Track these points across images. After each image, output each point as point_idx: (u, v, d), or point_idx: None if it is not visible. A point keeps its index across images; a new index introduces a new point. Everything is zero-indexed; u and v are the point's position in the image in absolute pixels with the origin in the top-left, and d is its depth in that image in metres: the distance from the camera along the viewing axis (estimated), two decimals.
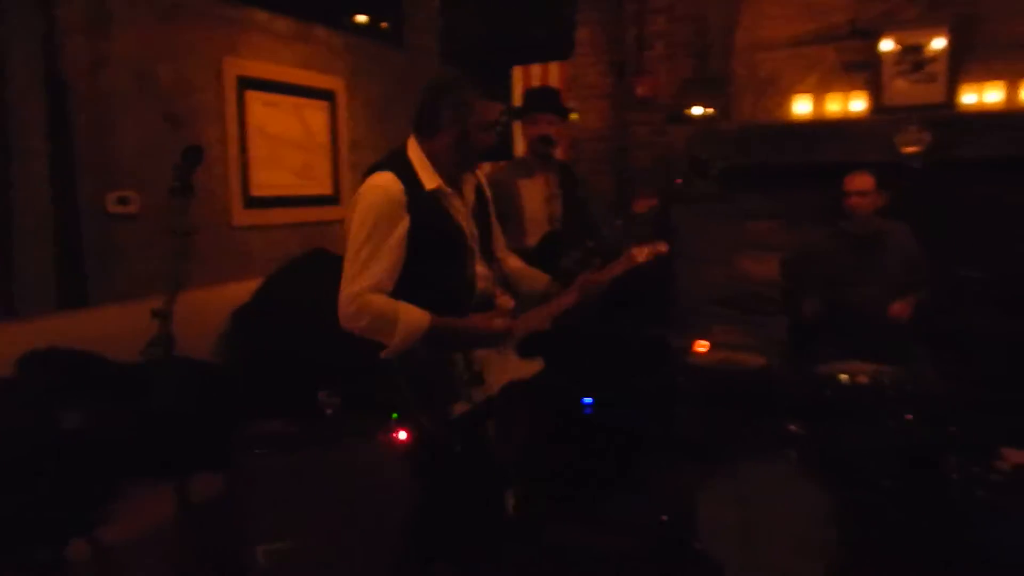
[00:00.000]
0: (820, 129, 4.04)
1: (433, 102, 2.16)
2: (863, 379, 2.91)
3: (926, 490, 2.75)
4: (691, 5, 4.66)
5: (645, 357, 3.51)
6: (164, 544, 2.30)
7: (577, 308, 2.39)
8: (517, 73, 5.25)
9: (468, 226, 2.22)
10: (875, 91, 4.01)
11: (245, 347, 3.31)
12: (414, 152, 2.17)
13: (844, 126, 3.99)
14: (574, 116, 4.58)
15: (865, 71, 4.06)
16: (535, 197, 3.31)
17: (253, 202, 3.91)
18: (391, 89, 4.90)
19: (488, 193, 2.40)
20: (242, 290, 3.48)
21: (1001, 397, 3.37)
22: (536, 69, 5.18)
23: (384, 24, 4.84)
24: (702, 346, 3.47)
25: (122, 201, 3.31)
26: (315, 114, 4.31)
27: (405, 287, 2.07)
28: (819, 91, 4.15)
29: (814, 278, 3.61)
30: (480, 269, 2.24)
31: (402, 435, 2.56)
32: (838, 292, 3.50)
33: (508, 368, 2.26)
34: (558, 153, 3.72)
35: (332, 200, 4.44)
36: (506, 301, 2.38)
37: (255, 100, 3.92)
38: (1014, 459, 2.73)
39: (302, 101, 4.22)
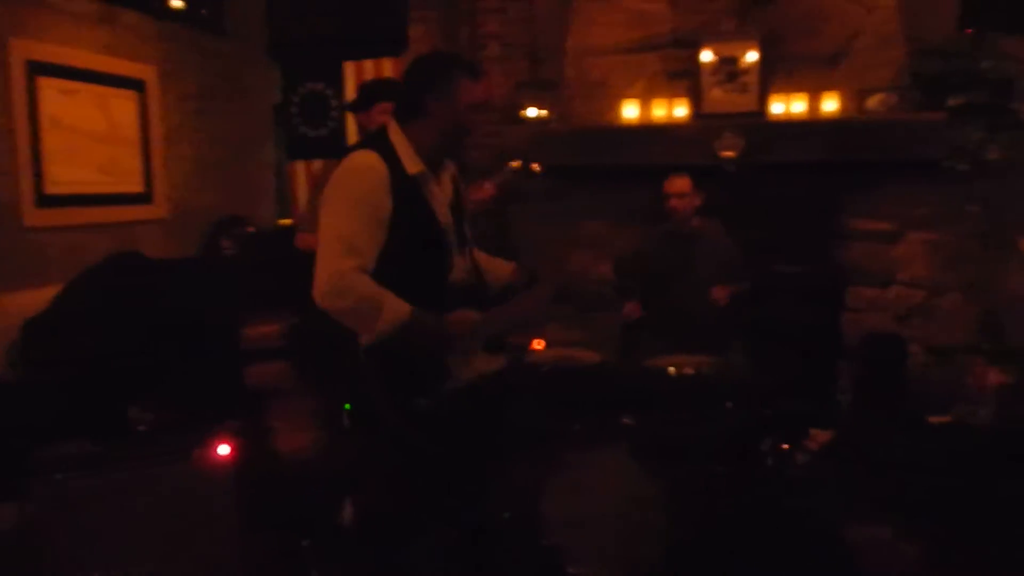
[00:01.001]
0: (646, 133, 4.21)
1: (417, 86, 2.09)
2: (688, 370, 3.06)
3: (747, 471, 2.92)
4: (524, 8, 4.72)
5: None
6: None
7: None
8: (349, 69, 5.10)
9: (445, 215, 2.16)
10: (696, 98, 4.24)
11: (40, 361, 2.99)
12: (396, 136, 2.10)
13: (668, 131, 4.19)
14: None
15: (686, 79, 4.28)
16: None
17: (48, 200, 3.52)
18: (212, 79, 4.61)
19: (461, 184, 2.33)
20: (36, 298, 3.17)
21: (806, 382, 3.65)
22: (369, 65, 5.06)
23: (203, 10, 4.52)
24: (538, 343, 3.51)
25: None
26: (122, 105, 3.96)
27: (380, 273, 1.99)
28: (646, 97, 4.32)
29: (641, 277, 3.77)
30: (456, 259, 2.18)
31: (223, 449, 2.40)
32: (663, 290, 3.68)
33: (475, 363, 2.19)
34: None
35: (144, 198, 4.09)
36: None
37: (49, 87, 3.53)
38: (820, 439, 2.96)
39: (107, 90, 3.86)
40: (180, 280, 3.45)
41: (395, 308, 1.97)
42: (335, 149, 5.01)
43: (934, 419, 3.12)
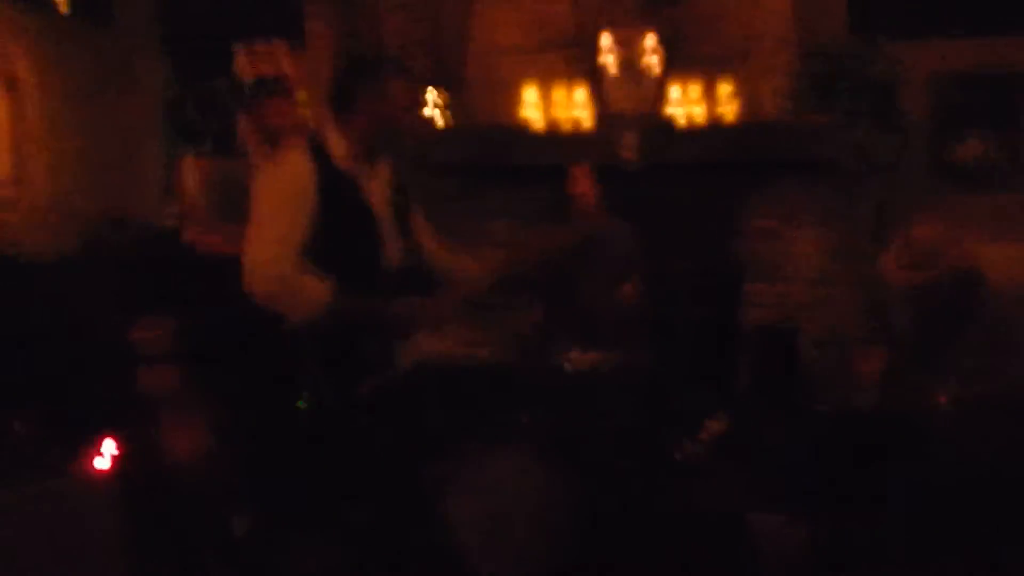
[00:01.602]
0: (548, 133, 4.24)
1: (349, 84, 2.19)
2: (589, 366, 3.09)
3: (648, 463, 2.98)
4: (426, 6, 4.68)
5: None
6: None
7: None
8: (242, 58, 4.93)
9: (378, 204, 2.21)
10: (598, 98, 4.29)
11: None
12: (326, 128, 2.18)
13: (570, 130, 4.22)
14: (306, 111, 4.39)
15: (589, 79, 4.32)
16: None
17: None
18: (95, 72, 4.39)
19: (402, 176, 2.37)
20: None
21: (703, 376, 3.76)
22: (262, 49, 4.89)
23: None
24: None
25: None
26: None
27: (311, 259, 2.03)
28: (548, 96, 4.34)
29: (547, 276, 3.79)
30: (392, 247, 2.22)
31: (106, 460, 2.28)
32: (567, 288, 3.71)
33: (419, 345, 2.24)
34: None
35: (18, 198, 3.84)
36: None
37: None
38: (716, 430, 3.06)
39: None
40: (60, 283, 3.26)
41: (314, 294, 2.02)
42: (230, 145, 4.84)
43: (823, 407, 3.26)
